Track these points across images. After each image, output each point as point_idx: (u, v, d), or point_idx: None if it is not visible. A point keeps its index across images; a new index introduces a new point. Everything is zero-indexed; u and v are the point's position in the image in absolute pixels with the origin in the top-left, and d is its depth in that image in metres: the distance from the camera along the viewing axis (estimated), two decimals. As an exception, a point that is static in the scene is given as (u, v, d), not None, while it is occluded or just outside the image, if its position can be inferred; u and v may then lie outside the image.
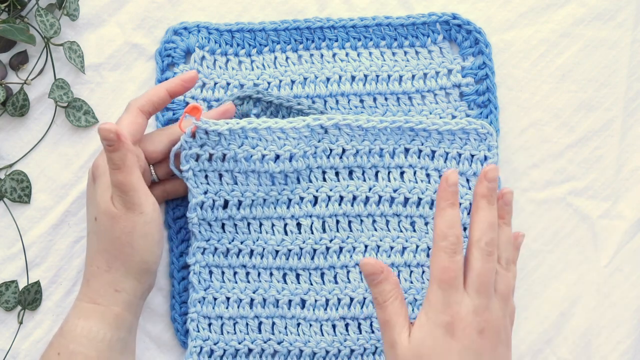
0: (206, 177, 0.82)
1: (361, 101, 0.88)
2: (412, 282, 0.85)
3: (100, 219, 0.77)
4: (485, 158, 0.84)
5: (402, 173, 0.85)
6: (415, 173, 0.85)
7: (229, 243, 0.84)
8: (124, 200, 0.76)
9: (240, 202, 0.83)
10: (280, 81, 0.89)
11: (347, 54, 0.89)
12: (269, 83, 0.88)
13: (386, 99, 0.88)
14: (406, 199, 0.85)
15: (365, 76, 0.89)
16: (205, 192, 0.82)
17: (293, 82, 0.89)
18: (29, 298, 0.87)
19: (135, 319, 0.80)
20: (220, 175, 0.82)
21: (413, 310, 0.85)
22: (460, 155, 0.84)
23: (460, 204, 0.83)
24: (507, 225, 0.79)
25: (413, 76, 0.89)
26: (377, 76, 0.88)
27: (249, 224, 0.84)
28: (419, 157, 0.84)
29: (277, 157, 0.82)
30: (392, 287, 0.76)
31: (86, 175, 0.88)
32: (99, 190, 0.78)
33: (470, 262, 0.74)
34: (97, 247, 0.78)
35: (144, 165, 0.81)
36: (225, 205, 0.83)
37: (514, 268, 0.79)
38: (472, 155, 0.84)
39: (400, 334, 0.74)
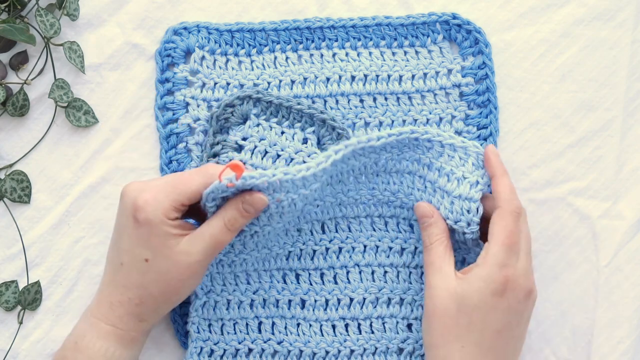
0: (224, 199, 0.78)
1: (361, 101, 0.88)
2: (410, 283, 0.85)
3: (157, 262, 0.77)
4: (477, 183, 0.81)
5: (401, 178, 0.85)
6: (414, 181, 0.84)
7: (235, 256, 0.83)
8: (209, 254, 0.77)
9: (255, 232, 0.81)
10: (280, 81, 0.88)
11: (347, 54, 0.89)
12: (269, 83, 0.88)
13: (386, 98, 0.88)
14: (403, 204, 0.85)
15: (365, 76, 0.89)
16: None
17: (293, 82, 0.89)
18: (29, 298, 0.87)
19: (146, 339, 0.82)
20: None
21: (412, 310, 0.85)
22: (453, 173, 0.82)
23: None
24: None
25: (413, 76, 0.89)
26: (377, 76, 0.88)
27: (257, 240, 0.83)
28: (419, 165, 0.84)
29: (305, 197, 0.80)
30: (439, 231, 0.81)
31: (86, 175, 0.88)
32: (155, 237, 0.76)
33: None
34: (136, 283, 0.77)
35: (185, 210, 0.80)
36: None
37: None
38: (464, 178, 0.81)
39: (443, 278, 0.79)
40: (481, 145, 0.85)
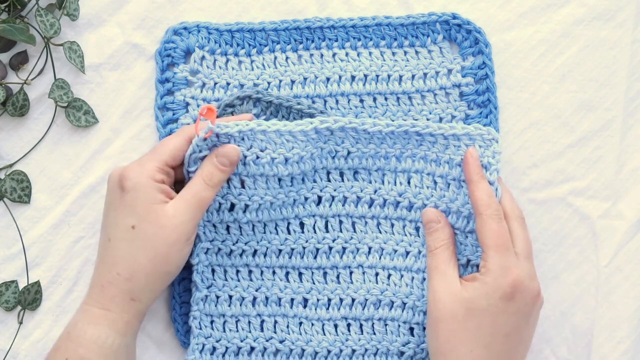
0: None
1: (361, 101, 0.88)
2: (412, 288, 0.84)
3: (143, 228, 0.77)
4: (489, 164, 0.81)
5: (409, 178, 0.84)
6: (422, 179, 0.84)
7: (233, 244, 0.84)
8: (193, 215, 0.78)
9: (247, 206, 0.82)
10: (280, 81, 0.88)
11: (347, 54, 0.89)
12: (269, 83, 0.88)
13: (386, 98, 0.88)
14: (411, 204, 0.85)
15: (365, 76, 0.89)
16: None
17: (293, 82, 0.89)
18: (29, 298, 0.87)
19: (140, 324, 0.81)
20: (228, 179, 0.81)
21: (414, 315, 0.84)
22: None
23: (461, 212, 0.83)
24: None
25: (413, 76, 0.89)
26: (377, 76, 0.88)
27: (253, 226, 0.83)
28: (426, 163, 0.84)
29: (286, 160, 0.81)
30: (445, 237, 0.82)
31: (86, 175, 0.88)
32: (141, 201, 0.78)
33: (512, 231, 0.79)
34: (124, 254, 0.78)
35: (172, 179, 0.82)
36: (231, 208, 0.83)
37: None
38: None
39: (447, 282, 0.79)
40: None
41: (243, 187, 0.81)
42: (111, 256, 0.78)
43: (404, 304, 0.84)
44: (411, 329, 0.85)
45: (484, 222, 0.78)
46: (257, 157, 0.80)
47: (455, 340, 0.76)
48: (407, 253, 0.85)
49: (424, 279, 0.84)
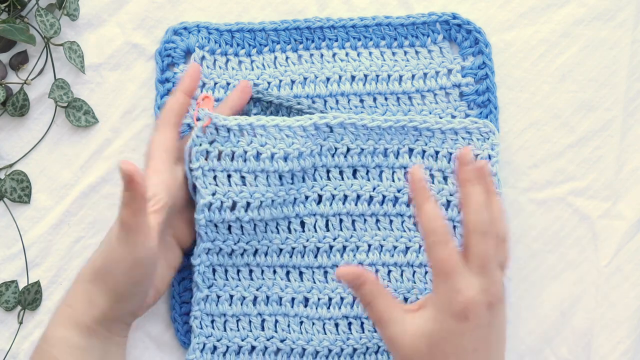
0: (215, 177, 0.81)
1: (361, 101, 0.88)
2: (414, 282, 0.85)
3: (121, 236, 0.73)
4: (489, 157, 0.83)
5: (405, 173, 0.85)
6: None
7: (234, 244, 0.84)
8: (119, 235, 0.73)
9: (248, 204, 0.82)
10: (280, 81, 0.89)
11: (347, 54, 0.89)
12: (269, 83, 0.88)
13: (386, 98, 0.88)
14: (410, 199, 0.85)
15: (365, 76, 0.89)
16: (214, 194, 0.81)
17: (293, 82, 0.89)
18: (29, 298, 0.87)
19: (116, 336, 0.77)
20: (229, 176, 0.81)
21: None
22: None
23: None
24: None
25: (413, 76, 0.89)
26: (377, 76, 0.88)
27: (255, 225, 0.83)
28: (422, 158, 0.84)
29: (286, 155, 0.82)
30: (372, 286, 0.74)
31: (86, 175, 0.88)
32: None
33: (469, 246, 0.72)
34: (98, 255, 0.76)
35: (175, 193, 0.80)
36: (233, 206, 0.83)
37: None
38: (476, 155, 0.83)
39: (399, 326, 0.73)
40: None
41: (244, 184, 0.82)
42: (92, 255, 0.77)
43: (406, 299, 0.84)
44: None
45: (430, 250, 0.73)
46: (258, 153, 0.80)
47: None
48: (407, 249, 0.85)
49: (426, 272, 0.84)
